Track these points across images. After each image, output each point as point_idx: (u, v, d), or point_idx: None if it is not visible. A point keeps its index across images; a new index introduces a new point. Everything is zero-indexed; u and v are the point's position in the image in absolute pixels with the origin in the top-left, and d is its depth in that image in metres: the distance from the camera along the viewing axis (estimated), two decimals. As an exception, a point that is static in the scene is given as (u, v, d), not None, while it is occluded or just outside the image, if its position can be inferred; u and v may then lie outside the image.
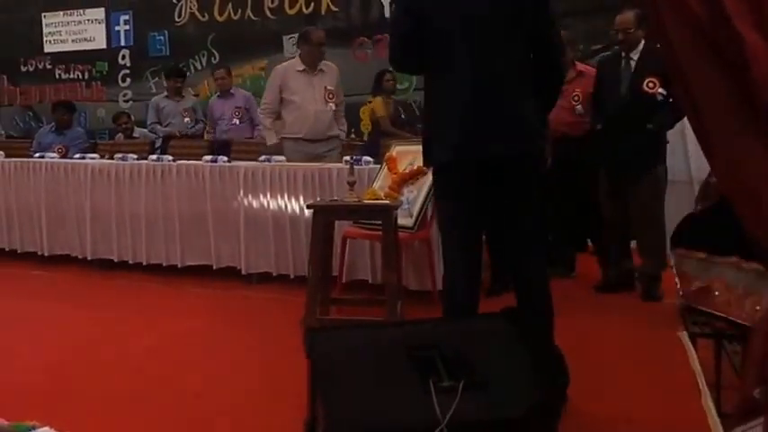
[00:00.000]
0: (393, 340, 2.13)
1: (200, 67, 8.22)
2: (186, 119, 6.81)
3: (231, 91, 6.64)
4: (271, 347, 3.54)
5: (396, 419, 1.92)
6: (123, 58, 8.63)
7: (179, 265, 5.07)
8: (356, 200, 3.74)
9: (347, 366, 2.04)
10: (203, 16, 8.19)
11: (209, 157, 5.17)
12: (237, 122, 6.46)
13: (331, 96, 5.13)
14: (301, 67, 5.13)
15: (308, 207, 3.80)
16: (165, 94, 6.97)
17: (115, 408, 2.81)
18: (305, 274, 4.61)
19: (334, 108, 5.16)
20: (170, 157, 5.31)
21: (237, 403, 2.87)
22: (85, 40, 8.82)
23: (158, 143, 6.60)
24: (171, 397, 2.94)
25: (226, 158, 5.16)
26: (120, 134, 7.24)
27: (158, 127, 6.78)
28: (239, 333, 3.82)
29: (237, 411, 2.80)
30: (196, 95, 8.20)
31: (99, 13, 8.74)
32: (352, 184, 3.74)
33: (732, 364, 2.66)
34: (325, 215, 3.64)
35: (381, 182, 4.29)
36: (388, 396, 1.96)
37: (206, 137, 6.70)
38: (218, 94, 6.73)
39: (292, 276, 4.76)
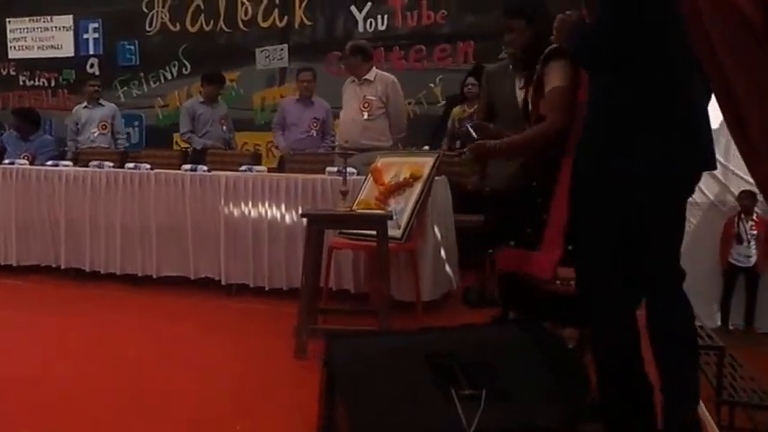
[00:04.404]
0: (411, 348, 2.13)
1: (170, 77, 8.14)
2: (224, 127, 6.56)
3: (312, 98, 6.16)
4: (256, 355, 3.52)
5: (422, 428, 1.92)
6: (92, 66, 8.48)
7: (154, 276, 4.99)
8: (348, 209, 3.74)
9: (368, 374, 2.03)
10: (175, 27, 8.11)
11: (188, 166, 5.11)
12: (314, 134, 6.09)
13: (366, 106, 5.11)
14: (351, 79, 5.30)
15: (302, 216, 3.78)
16: (201, 99, 6.54)
17: (103, 414, 2.76)
18: (281, 287, 4.66)
19: (366, 117, 5.11)
20: (148, 166, 5.21)
21: (228, 406, 2.84)
22: (52, 47, 8.66)
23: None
24: (158, 401, 2.89)
25: (205, 168, 5.11)
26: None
27: (195, 137, 6.40)
28: (222, 340, 3.78)
29: (228, 414, 2.76)
30: (165, 106, 8.20)
31: (67, 20, 8.58)
32: (344, 194, 3.73)
33: (732, 377, 2.72)
34: (319, 224, 3.63)
35: (367, 193, 4.30)
36: (412, 404, 1.96)
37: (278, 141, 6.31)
38: (297, 98, 6.21)
39: (267, 288, 4.72)
